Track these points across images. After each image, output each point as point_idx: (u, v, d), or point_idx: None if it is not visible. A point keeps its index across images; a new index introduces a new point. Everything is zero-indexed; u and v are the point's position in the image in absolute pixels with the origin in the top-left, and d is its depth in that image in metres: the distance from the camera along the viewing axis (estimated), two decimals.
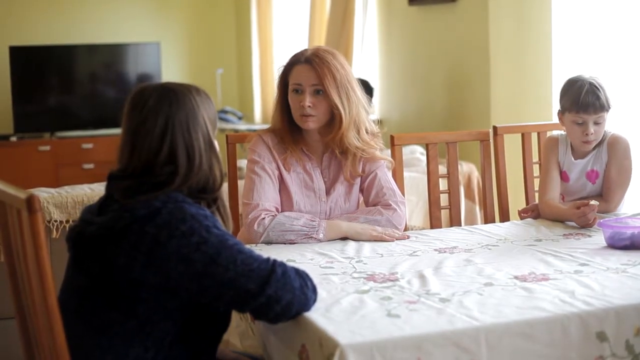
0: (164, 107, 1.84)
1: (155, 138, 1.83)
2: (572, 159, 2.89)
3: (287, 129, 2.68)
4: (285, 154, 2.66)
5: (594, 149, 2.85)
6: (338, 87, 2.59)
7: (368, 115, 2.70)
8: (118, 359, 1.78)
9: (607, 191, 2.85)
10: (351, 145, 2.64)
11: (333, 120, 2.63)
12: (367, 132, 2.68)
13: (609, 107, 2.77)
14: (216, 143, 1.91)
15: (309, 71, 2.60)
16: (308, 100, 2.59)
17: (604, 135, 2.84)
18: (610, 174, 2.83)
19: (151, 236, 1.75)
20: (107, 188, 1.88)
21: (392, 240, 2.54)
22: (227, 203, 1.96)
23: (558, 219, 2.77)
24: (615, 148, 2.83)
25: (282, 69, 2.69)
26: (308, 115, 2.60)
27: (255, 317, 1.85)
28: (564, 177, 2.91)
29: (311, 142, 2.70)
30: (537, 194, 3.28)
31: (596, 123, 2.76)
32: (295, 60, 2.65)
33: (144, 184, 1.82)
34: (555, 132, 2.98)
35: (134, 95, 1.89)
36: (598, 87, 2.75)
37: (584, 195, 2.88)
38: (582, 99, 2.73)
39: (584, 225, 2.64)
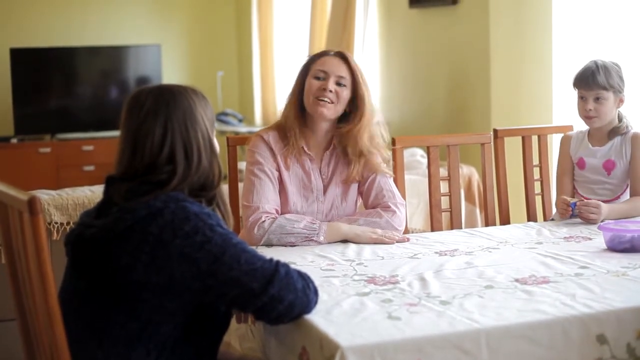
0: (161, 108, 1.85)
1: (156, 139, 1.83)
2: (590, 145, 2.96)
3: (297, 121, 2.68)
4: (287, 151, 2.66)
5: (613, 139, 2.91)
6: (364, 83, 2.67)
7: (380, 128, 2.74)
8: None
9: (635, 189, 2.89)
10: (364, 146, 2.66)
11: (345, 117, 2.66)
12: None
13: (610, 88, 2.85)
14: (215, 141, 1.92)
15: (340, 63, 2.66)
16: (331, 85, 2.62)
17: (626, 129, 2.91)
18: (637, 171, 2.88)
19: (154, 236, 1.75)
20: (106, 192, 1.88)
21: (392, 243, 2.55)
22: (226, 199, 1.97)
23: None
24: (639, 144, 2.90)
25: (307, 59, 2.73)
26: (327, 102, 2.61)
27: (257, 318, 1.85)
28: (579, 163, 2.98)
29: (317, 135, 2.69)
30: (537, 197, 3.30)
31: (596, 100, 2.86)
32: (324, 53, 2.72)
33: (144, 184, 1.82)
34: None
35: (131, 99, 1.89)
36: (601, 67, 2.86)
37: (598, 188, 2.93)
38: (581, 74, 2.89)
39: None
